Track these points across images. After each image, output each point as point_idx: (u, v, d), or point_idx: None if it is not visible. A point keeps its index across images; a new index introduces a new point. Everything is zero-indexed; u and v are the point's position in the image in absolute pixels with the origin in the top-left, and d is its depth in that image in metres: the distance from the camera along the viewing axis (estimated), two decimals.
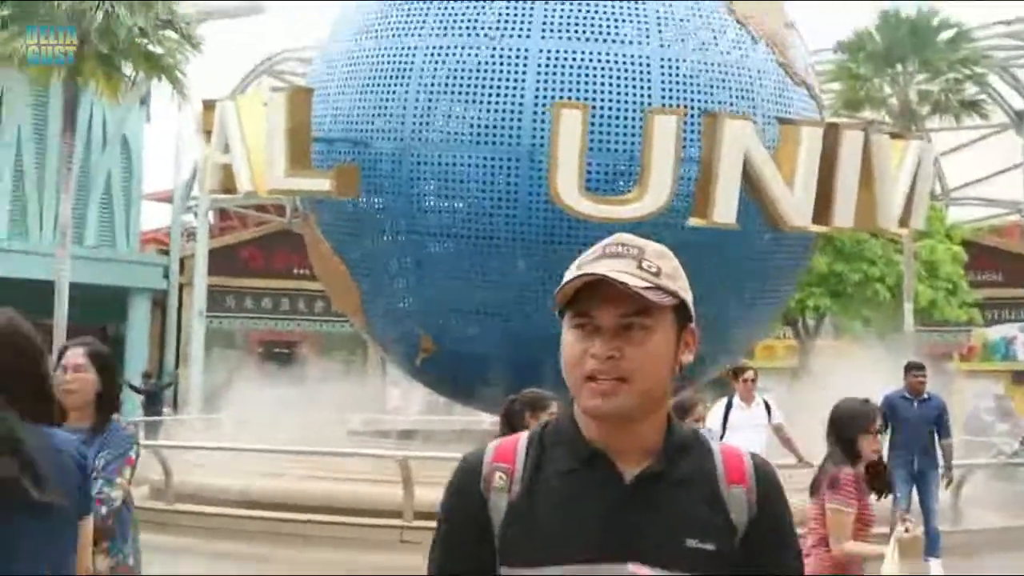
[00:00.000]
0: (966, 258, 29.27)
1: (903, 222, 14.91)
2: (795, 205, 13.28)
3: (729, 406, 10.34)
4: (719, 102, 13.86)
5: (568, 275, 1.74)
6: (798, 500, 4.06)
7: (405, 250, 14.99)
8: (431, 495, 10.82)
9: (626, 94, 13.68)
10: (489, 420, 14.28)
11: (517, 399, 5.94)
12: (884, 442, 6.40)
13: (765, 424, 10.53)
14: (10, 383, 2.74)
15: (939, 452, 10.40)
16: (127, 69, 22.55)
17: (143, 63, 21.88)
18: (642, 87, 13.76)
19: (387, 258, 15.24)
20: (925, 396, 10.30)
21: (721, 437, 9.60)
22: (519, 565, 1.73)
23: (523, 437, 1.82)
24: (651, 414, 1.76)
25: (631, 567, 1.69)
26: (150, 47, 21.84)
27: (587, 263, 1.74)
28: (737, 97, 14.10)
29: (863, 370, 14.41)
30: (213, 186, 16.28)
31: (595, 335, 1.71)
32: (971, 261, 29.92)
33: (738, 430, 9.78)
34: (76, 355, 4.00)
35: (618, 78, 13.70)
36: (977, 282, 30.80)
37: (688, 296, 1.78)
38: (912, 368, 10.42)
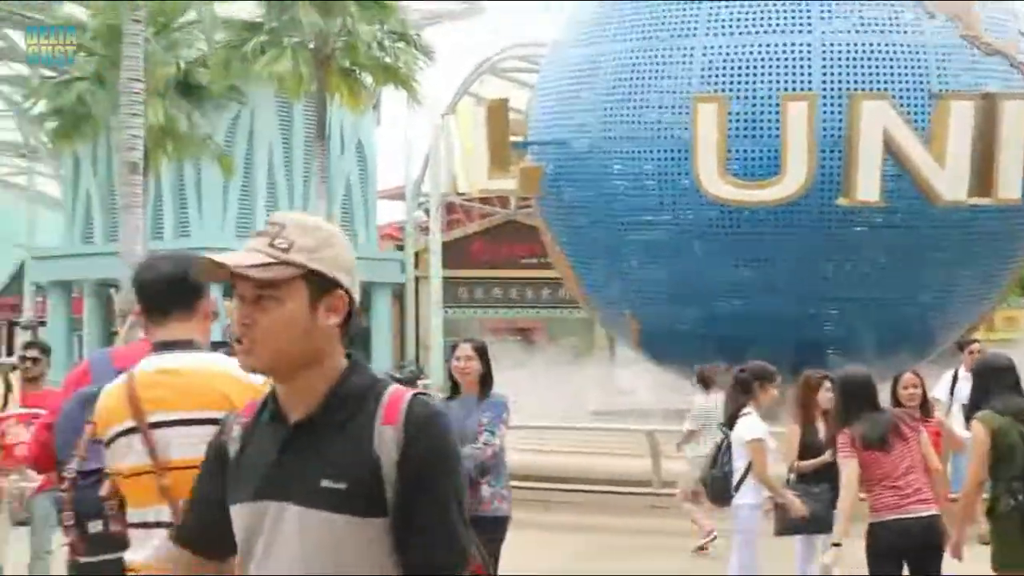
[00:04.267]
0: None
1: None
2: (948, 180, 13.32)
3: (955, 378, 10.62)
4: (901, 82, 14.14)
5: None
6: None
7: (612, 239, 16.04)
8: (674, 466, 11.70)
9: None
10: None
11: (746, 370, 6.56)
12: None
13: None
14: None
15: None
16: (367, 81, 24.35)
17: (381, 74, 23.56)
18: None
19: (598, 246, 16.35)
20: None
21: (949, 409, 9.94)
22: (231, 502, 1.94)
23: (266, 395, 1.99)
24: (302, 370, 1.87)
25: (287, 506, 1.83)
26: (387, 60, 23.50)
27: (252, 238, 1.92)
28: (916, 75, 14.33)
29: None
30: (445, 187, 18.67)
31: (241, 303, 1.87)
32: None
33: (963, 401, 9.97)
34: (466, 349, 5.60)
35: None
36: None
37: (327, 266, 1.87)
38: None
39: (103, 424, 3.15)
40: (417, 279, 36.17)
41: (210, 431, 3.00)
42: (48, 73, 29.76)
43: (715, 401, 9.70)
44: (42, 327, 34.09)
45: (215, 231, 32.16)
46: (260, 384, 3.05)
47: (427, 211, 37.41)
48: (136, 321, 3.71)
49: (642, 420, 13.45)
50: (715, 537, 9.45)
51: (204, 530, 2.03)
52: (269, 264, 1.82)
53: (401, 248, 37.65)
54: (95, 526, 3.22)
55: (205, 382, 3.04)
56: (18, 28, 32.51)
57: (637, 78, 15.30)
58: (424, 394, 1.91)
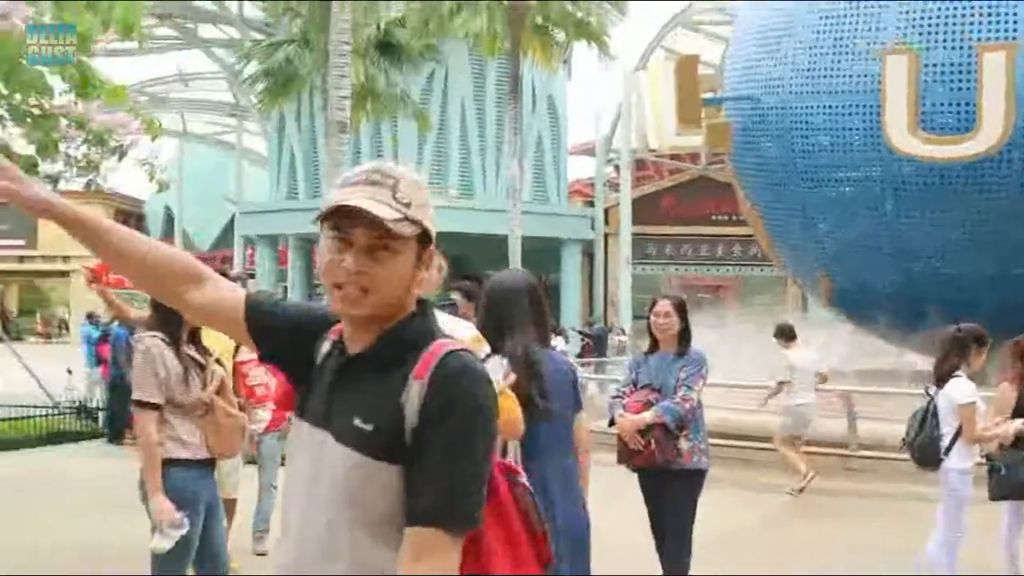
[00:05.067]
0: None
1: None
2: None
3: None
4: None
5: (335, 194, 1.90)
6: None
7: (807, 194, 15.63)
8: (872, 428, 11.46)
9: None
10: (921, 361, 14.46)
11: (963, 330, 6.35)
12: None
13: None
14: (528, 320, 3.98)
15: None
16: (559, 37, 24.43)
17: (574, 30, 23.59)
18: None
19: (792, 202, 15.98)
20: None
21: None
22: (296, 414, 2.02)
23: None
24: (385, 319, 1.92)
25: (327, 437, 1.89)
26: (579, 15, 23.51)
27: (348, 186, 1.89)
28: None
29: None
30: (635, 143, 18.54)
31: (347, 250, 1.86)
32: None
33: None
34: (665, 305, 5.59)
35: None
36: None
37: (431, 225, 1.94)
38: None
39: None
40: (606, 235, 36.27)
41: None
42: (257, 36, 31.24)
43: (799, 355, 10.89)
44: (251, 279, 36.01)
45: None
46: (468, 340, 3.24)
47: (617, 167, 37.36)
48: None
49: (837, 380, 13.17)
50: (814, 476, 10.31)
51: (266, 318, 2.07)
52: (399, 220, 1.85)
53: (591, 204, 37.80)
54: None
55: None
56: None
57: (837, 31, 14.83)
58: (463, 350, 1.90)
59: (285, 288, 36.02)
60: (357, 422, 1.83)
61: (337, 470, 1.85)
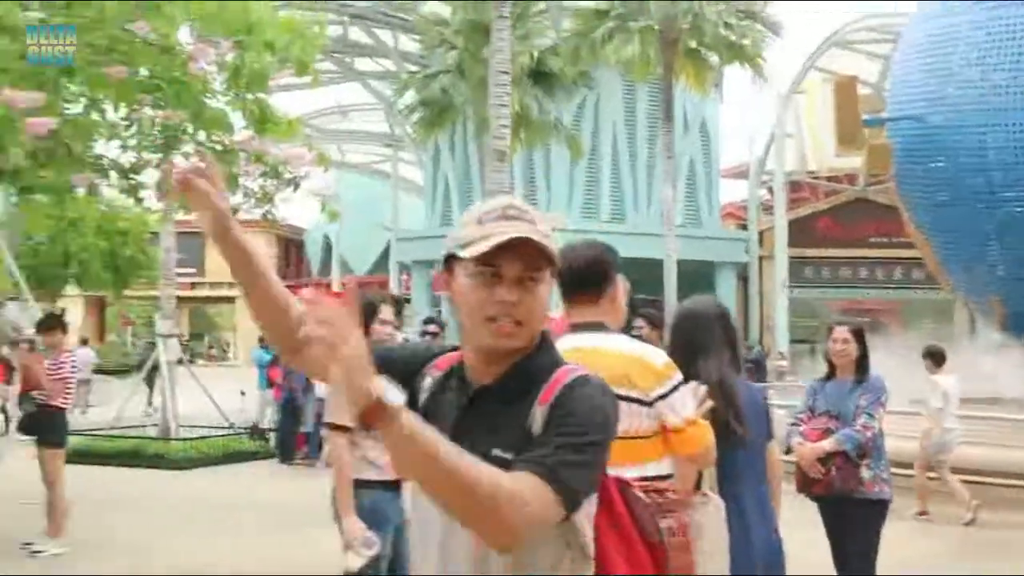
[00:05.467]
0: None
1: None
2: None
3: None
4: None
5: (473, 231, 1.91)
6: None
7: (979, 215, 15.05)
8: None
9: None
10: None
11: None
12: None
13: None
14: (723, 346, 3.97)
15: None
16: (712, 60, 24.27)
17: (728, 53, 23.40)
18: None
19: (961, 223, 15.40)
20: None
21: None
22: None
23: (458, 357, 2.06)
24: (518, 350, 1.94)
25: None
26: (733, 38, 23.31)
27: (491, 222, 1.91)
28: None
29: None
30: (790, 164, 18.21)
31: (496, 284, 1.89)
32: None
33: None
34: (843, 332, 5.55)
35: None
36: None
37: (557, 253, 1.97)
38: None
39: None
40: (761, 258, 35.69)
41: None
42: (412, 68, 32.05)
43: (949, 380, 10.50)
44: (407, 303, 36.82)
45: (561, 214, 33.36)
46: (661, 366, 3.28)
47: (770, 189, 36.77)
48: None
49: (1012, 408, 12.62)
50: (979, 505, 10.01)
51: (393, 360, 2.07)
52: (551, 251, 1.91)
53: (744, 227, 37.28)
54: None
55: (607, 361, 3.25)
56: (385, 28, 35.23)
57: (1006, 46, 14.32)
58: (588, 374, 1.93)
59: (439, 311, 36.67)
60: (497, 452, 1.85)
61: None
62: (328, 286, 45.55)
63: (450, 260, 1.96)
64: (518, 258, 1.88)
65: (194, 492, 12.17)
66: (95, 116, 8.83)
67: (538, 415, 1.87)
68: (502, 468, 1.80)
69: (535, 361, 1.95)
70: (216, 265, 52.18)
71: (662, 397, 3.24)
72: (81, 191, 8.67)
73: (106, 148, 9.42)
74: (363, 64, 39.04)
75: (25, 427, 8.83)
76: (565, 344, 3.45)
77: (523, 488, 1.73)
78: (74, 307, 45.18)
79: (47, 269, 38.49)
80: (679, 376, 3.31)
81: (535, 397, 1.89)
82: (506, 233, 1.86)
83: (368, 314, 4.46)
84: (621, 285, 3.52)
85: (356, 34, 36.42)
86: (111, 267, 40.75)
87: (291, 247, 58.33)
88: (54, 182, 8.46)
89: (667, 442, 3.28)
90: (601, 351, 3.30)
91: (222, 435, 15.14)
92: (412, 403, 2.00)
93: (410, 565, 2.04)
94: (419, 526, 2.02)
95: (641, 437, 3.23)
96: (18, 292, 19.00)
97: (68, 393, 8.82)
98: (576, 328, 3.42)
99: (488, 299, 1.89)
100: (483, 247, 1.86)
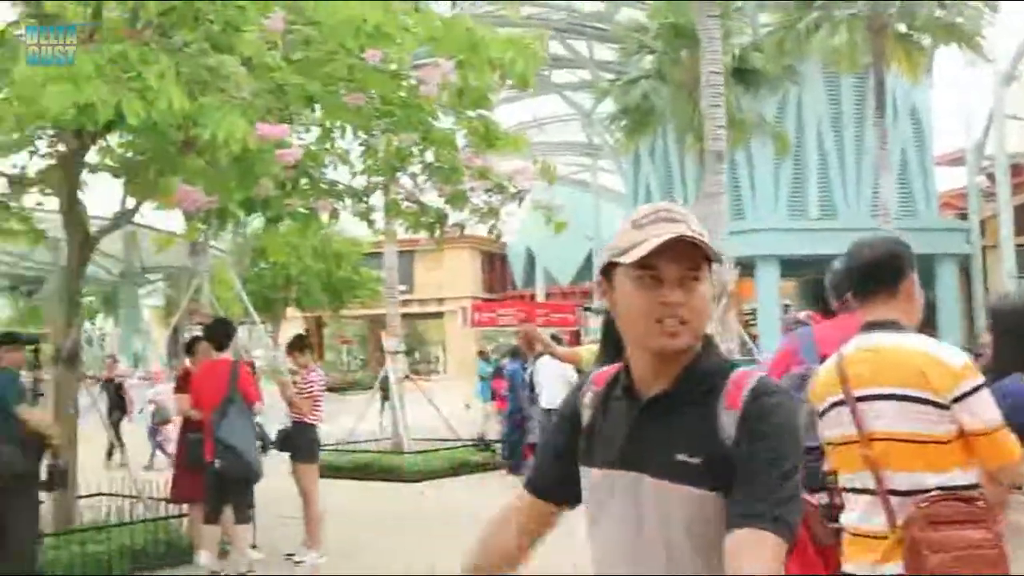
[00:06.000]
0: None
1: None
2: None
3: None
4: None
5: (630, 237, 1.94)
6: None
7: None
8: None
9: None
10: None
11: None
12: None
13: None
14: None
15: None
16: (924, 43, 23.23)
17: (942, 34, 22.35)
18: None
19: None
20: None
21: None
22: (582, 464, 2.07)
23: (618, 369, 2.10)
24: (684, 354, 1.96)
25: (643, 477, 1.93)
26: (947, 18, 22.25)
27: (649, 225, 1.93)
28: None
29: None
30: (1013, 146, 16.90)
31: (657, 286, 1.91)
32: None
33: None
34: None
35: None
36: None
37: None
38: None
39: (818, 397, 3.41)
40: (984, 248, 33.84)
41: (907, 407, 3.12)
42: (608, 76, 32.11)
43: None
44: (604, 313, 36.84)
45: (767, 213, 32.62)
46: (959, 367, 3.10)
47: (991, 175, 34.82)
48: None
49: None
50: None
51: (550, 480, 2.18)
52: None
53: (964, 216, 35.44)
54: (820, 498, 3.47)
55: (903, 360, 3.14)
56: (580, 38, 35.45)
57: None
58: (767, 379, 1.94)
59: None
60: (682, 457, 1.88)
61: (668, 507, 1.90)
62: (532, 297, 46.13)
63: (608, 270, 2.01)
64: (676, 259, 1.90)
65: (429, 504, 12.51)
66: (327, 144, 9.24)
67: (727, 421, 1.89)
68: (687, 473, 1.87)
69: (706, 364, 1.97)
70: (425, 281, 53.71)
71: (959, 399, 3.06)
72: (325, 216, 9.06)
73: (335, 174, 9.84)
74: (558, 76, 39.40)
75: (280, 444, 9.29)
76: (856, 344, 3.34)
77: (762, 553, 1.77)
78: (294, 328, 47.49)
79: (271, 292, 40.62)
80: (979, 378, 3.13)
81: (717, 401, 1.91)
82: (662, 235, 1.88)
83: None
84: (916, 281, 3.39)
85: (553, 47, 36.78)
86: (328, 288, 42.65)
87: (494, 260, 59.41)
88: (298, 210, 8.88)
89: (970, 449, 3.11)
90: (890, 350, 3.19)
91: (450, 447, 15.54)
92: (576, 422, 2.12)
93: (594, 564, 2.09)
94: (603, 527, 2.04)
95: (937, 441, 3.07)
96: (247, 316, 20.04)
97: (317, 409, 9.23)
98: (871, 327, 3.32)
99: (652, 302, 1.91)
100: (643, 251, 1.88)
